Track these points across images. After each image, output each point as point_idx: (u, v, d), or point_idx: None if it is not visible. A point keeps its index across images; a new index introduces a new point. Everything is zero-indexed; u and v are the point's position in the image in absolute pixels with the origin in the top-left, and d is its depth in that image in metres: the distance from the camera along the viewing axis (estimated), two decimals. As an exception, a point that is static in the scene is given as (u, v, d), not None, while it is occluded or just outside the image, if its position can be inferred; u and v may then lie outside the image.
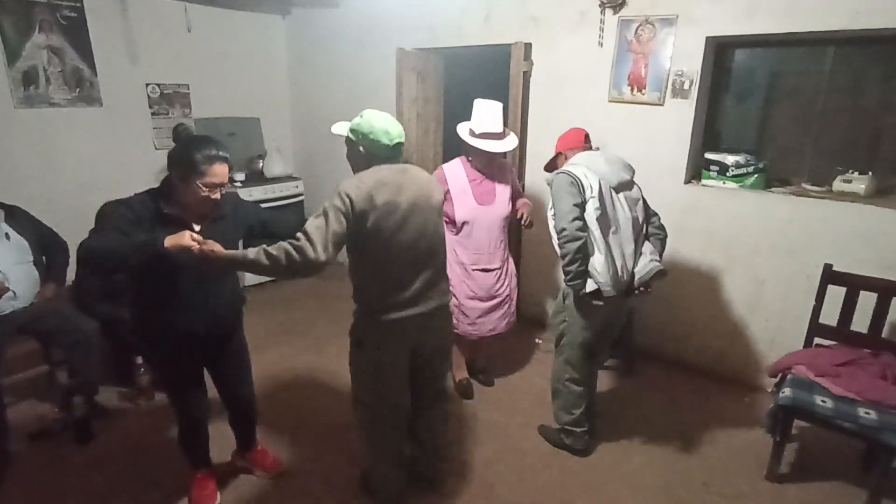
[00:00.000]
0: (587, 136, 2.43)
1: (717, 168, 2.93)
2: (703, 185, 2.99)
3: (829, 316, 2.44)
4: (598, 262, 2.10)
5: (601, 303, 2.13)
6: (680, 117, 2.93)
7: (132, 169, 4.07)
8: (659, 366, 3.21)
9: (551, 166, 2.47)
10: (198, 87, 4.30)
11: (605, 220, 2.13)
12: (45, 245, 2.87)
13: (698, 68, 2.83)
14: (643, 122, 3.04)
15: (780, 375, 2.38)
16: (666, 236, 2.36)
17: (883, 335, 2.36)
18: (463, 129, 2.60)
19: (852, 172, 2.68)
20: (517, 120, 3.42)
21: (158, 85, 4.10)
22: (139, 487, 2.26)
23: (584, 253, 2.10)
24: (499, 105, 2.55)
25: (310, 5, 4.47)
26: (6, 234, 2.66)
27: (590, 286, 2.12)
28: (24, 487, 2.24)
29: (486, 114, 2.53)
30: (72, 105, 3.68)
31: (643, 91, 3.00)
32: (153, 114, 4.11)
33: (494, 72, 4.25)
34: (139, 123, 4.05)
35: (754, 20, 2.63)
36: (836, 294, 2.41)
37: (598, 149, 2.45)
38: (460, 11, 3.61)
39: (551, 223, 2.24)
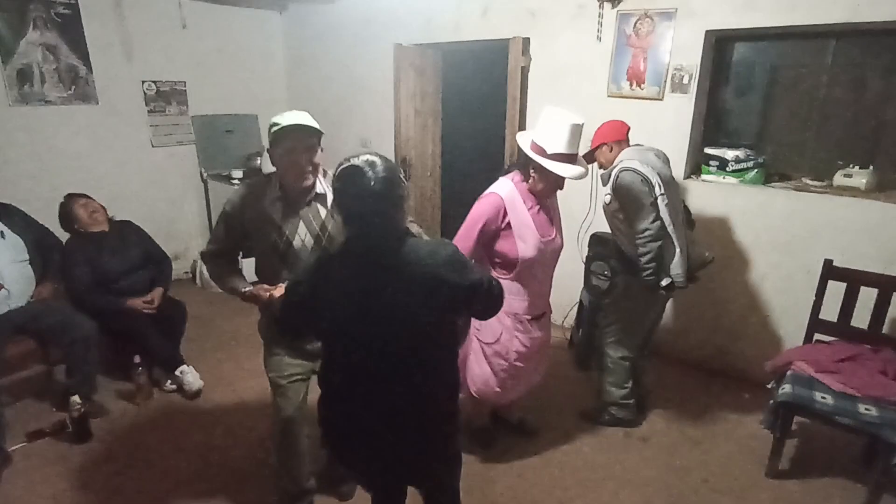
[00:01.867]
0: (629, 130, 2.49)
1: (717, 163, 2.91)
2: (703, 180, 2.97)
3: (830, 312, 2.42)
4: (675, 257, 2.25)
5: (664, 292, 2.32)
6: (679, 112, 2.91)
7: (129, 167, 4.06)
8: (659, 362, 3.20)
9: (591, 157, 2.50)
10: (194, 84, 4.28)
11: (672, 215, 2.24)
12: (41, 244, 2.86)
13: (698, 62, 2.80)
14: (642, 117, 3.01)
15: (780, 371, 2.37)
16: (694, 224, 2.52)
17: (883, 331, 2.35)
18: (526, 142, 2.04)
19: (853, 167, 2.66)
20: (515, 115, 3.40)
21: (154, 82, 4.08)
22: (138, 486, 2.25)
23: (661, 250, 2.23)
24: (580, 120, 1.98)
25: (306, 1, 4.44)
26: (1, 233, 2.65)
27: (665, 280, 2.26)
28: (22, 487, 2.24)
29: (564, 130, 1.95)
30: (67, 103, 3.67)
31: (642, 86, 2.98)
32: (150, 111, 4.10)
33: (492, 67, 4.23)
34: (136, 121, 4.04)
35: (754, 13, 2.60)
36: (836, 289, 2.40)
37: (640, 145, 2.46)
38: (457, 6, 3.58)
39: (610, 218, 2.40)
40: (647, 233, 2.21)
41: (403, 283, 1.27)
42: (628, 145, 2.44)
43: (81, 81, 3.69)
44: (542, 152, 1.97)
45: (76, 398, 2.48)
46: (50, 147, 3.65)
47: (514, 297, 2.07)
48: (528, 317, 2.15)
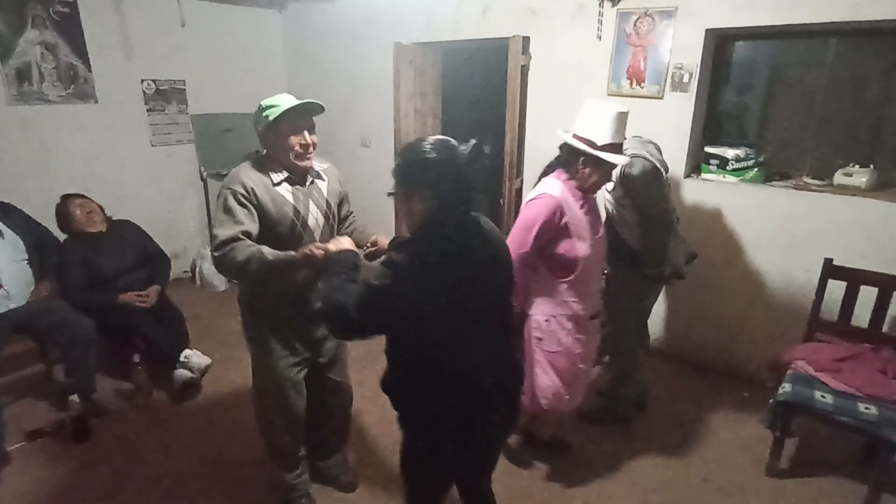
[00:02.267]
0: None
1: (717, 162, 2.91)
2: (703, 179, 2.97)
3: (830, 311, 2.42)
4: (676, 247, 2.29)
5: (666, 283, 2.37)
6: (679, 111, 2.90)
7: (128, 166, 4.05)
8: (658, 360, 3.20)
9: None
10: (194, 82, 4.27)
11: (671, 206, 2.32)
12: (40, 243, 2.86)
13: (698, 61, 2.80)
14: (642, 115, 2.99)
15: (780, 370, 2.37)
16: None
17: (884, 330, 2.35)
18: (569, 138, 1.97)
19: (853, 166, 2.66)
20: (515, 114, 3.40)
21: (154, 81, 4.07)
22: (137, 486, 2.25)
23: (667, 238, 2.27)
24: (625, 108, 1.93)
25: (306, -1, 4.44)
26: (0, 233, 2.64)
27: (668, 269, 2.29)
28: (22, 486, 2.24)
29: (610, 120, 1.88)
30: (66, 102, 3.65)
31: (642, 84, 2.97)
32: (149, 110, 4.08)
33: (492, 65, 4.22)
34: (135, 120, 4.03)
35: (755, 12, 2.60)
36: (836, 288, 2.40)
37: (638, 136, 2.46)
38: (457, 5, 3.57)
39: (615, 207, 2.36)
40: (655, 219, 2.25)
41: (503, 252, 1.39)
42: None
43: (80, 80, 3.68)
44: (592, 145, 1.89)
45: (75, 397, 2.48)
46: (49, 146, 3.64)
47: (574, 299, 1.99)
48: (587, 317, 2.06)
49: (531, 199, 1.97)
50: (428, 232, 1.29)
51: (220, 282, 4.35)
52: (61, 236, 2.98)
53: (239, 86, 4.57)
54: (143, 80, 4.01)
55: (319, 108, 1.72)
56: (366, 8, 4.06)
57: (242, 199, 1.64)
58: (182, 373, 2.77)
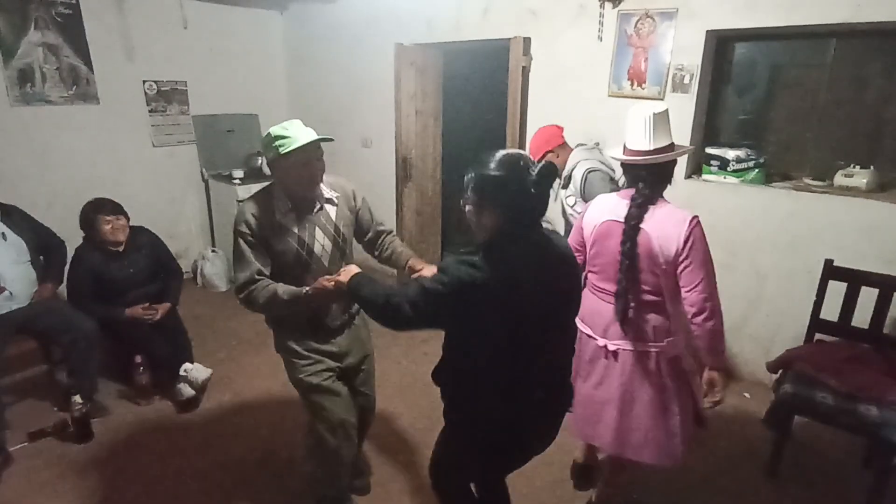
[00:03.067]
0: (563, 131, 2.59)
1: (718, 163, 2.91)
2: (704, 180, 2.97)
3: (831, 311, 2.42)
4: None
5: None
6: (680, 112, 2.90)
7: (130, 167, 4.06)
8: (659, 361, 3.20)
9: None
10: (195, 83, 4.28)
11: None
12: (43, 244, 2.86)
13: (698, 62, 2.80)
14: (643, 116, 3.01)
15: (781, 371, 2.37)
16: None
17: (884, 331, 2.35)
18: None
19: (854, 166, 2.66)
20: (516, 115, 3.40)
21: (156, 82, 4.08)
22: (139, 486, 2.26)
23: None
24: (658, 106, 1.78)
25: (307, 0, 4.44)
26: (2, 234, 2.65)
27: None
28: (24, 487, 2.24)
29: (638, 121, 1.76)
30: (68, 103, 3.67)
31: (643, 85, 2.98)
32: (151, 111, 4.10)
33: (493, 66, 4.23)
34: (137, 121, 4.04)
35: (755, 13, 2.60)
36: (837, 289, 2.40)
37: (583, 144, 2.62)
38: (458, 6, 3.58)
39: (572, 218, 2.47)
40: None
41: (568, 266, 1.41)
42: (568, 147, 2.61)
43: (82, 81, 3.69)
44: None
45: (77, 398, 2.49)
46: (51, 147, 3.65)
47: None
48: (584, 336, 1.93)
49: (696, 223, 1.77)
50: (493, 244, 1.30)
51: (221, 282, 4.36)
52: (64, 237, 2.98)
53: (240, 87, 4.58)
54: (144, 81, 4.02)
55: (330, 140, 1.70)
56: (367, 9, 4.07)
57: (250, 240, 1.69)
58: (183, 389, 2.75)
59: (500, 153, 1.31)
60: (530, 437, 1.49)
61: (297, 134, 1.64)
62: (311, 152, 1.67)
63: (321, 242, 1.78)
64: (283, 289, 1.67)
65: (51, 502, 2.17)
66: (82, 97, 3.72)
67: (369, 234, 1.97)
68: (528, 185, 1.27)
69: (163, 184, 4.27)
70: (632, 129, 1.76)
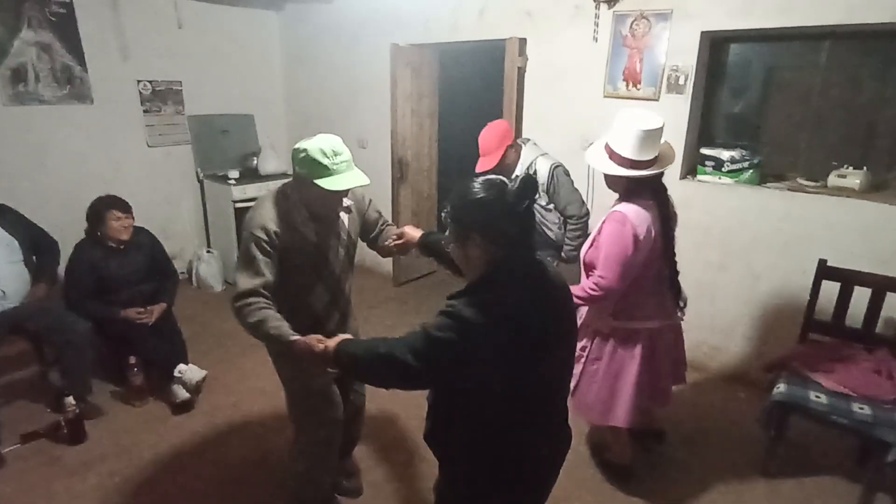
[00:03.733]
0: None
1: (713, 163, 2.92)
2: (699, 181, 2.98)
3: (824, 311, 2.44)
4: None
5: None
6: (675, 112, 2.92)
7: (125, 167, 4.04)
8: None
9: (503, 163, 2.65)
10: (191, 83, 4.27)
11: None
12: (36, 244, 2.85)
13: (693, 63, 2.81)
14: (638, 117, 3.02)
15: (775, 371, 2.38)
16: None
17: (877, 331, 2.36)
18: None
19: (847, 167, 2.67)
20: (512, 116, 3.41)
21: (150, 82, 4.06)
22: (133, 487, 2.25)
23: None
24: (652, 122, 1.86)
25: (303, 0, 4.44)
26: (-4, 234, 2.64)
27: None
28: (16, 489, 2.23)
29: (628, 131, 1.86)
30: (62, 102, 3.65)
31: (638, 86, 2.99)
32: (145, 111, 4.08)
33: (489, 67, 4.24)
34: (131, 121, 4.02)
35: (749, 15, 2.61)
36: (830, 289, 2.41)
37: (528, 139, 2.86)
38: (454, 6, 3.58)
39: (547, 213, 2.73)
40: (587, 216, 2.68)
41: (565, 294, 1.29)
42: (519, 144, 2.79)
43: (76, 81, 3.67)
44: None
45: (70, 399, 2.47)
46: (45, 147, 3.63)
47: None
48: None
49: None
50: (491, 280, 1.18)
51: (216, 282, 4.35)
52: (57, 237, 2.97)
53: (236, 87, 4.57)
54: (139, 81, 4.00)
55: (366, 185, 1.64)
56: (363, 9, 4.07)
57: (265, 246, 1.60)
58: (178, 391, 2.74)
59: (474, 180, 1.21)
60: (537, 492, 1.35)
61: (340, 169, 1.55)
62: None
63: (335, 250, 1.76)
64: (274, 323, 1.54)
65: (43, 504, 2.16)
66: (76, 97, 3.70)
67: (374, 233, 1.93)
68: (511, 202, 1.15)
69: (158, 184, 4.25)
70: (636, 141, 1.84)
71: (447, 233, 1.26)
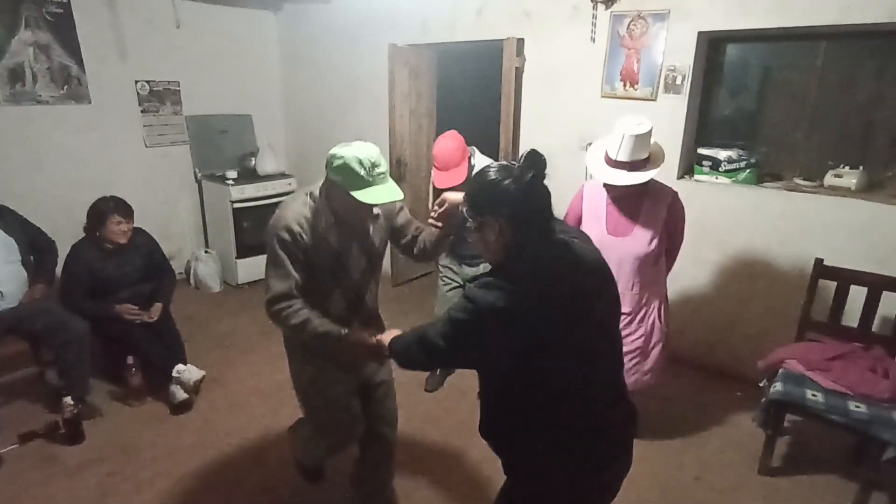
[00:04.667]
0: None
1: (710, 163, 2.93)
2: (696, 180, 2.99)
3: (821, 310, 2.45)
4: None
5: None
6: (672, 112, 2.93)
7: (122, 167, 4.04)
8: (652, 361, 3.22)
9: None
10: (188, 83, 4.26)
11: None
12: (34, 245, 2.84)
13: (690, 63, 2.82)
14: (636, 117, 3.03)
15: (771, 370, 2.39)
16: None
17: (873, 329, 2.38)
18: (595, 149, 2.23)
19: (844, 167, 2.69)
20: (510, 116, 3.41)
21: (148, 82, 4.06)
22: (131, 487, 2.25)
23: None
24: (637, 130, 2.06)
25: (301, 0, 4.44)
26: (-7, 234, 2.63)
27: None
28: (14, 489, 2.22)
29: (617, 136, 2.08)
30: (60, 102, 3.64)
31: (635, 86, 3.00)
32: (143, 111, 4.07)
33: (487, 67, 4.24)
34: (129, 121, 4.02)
35: (746, 15, 2.62)
36: (827, 288, 2.42)
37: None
38: (452, 6, 3.58)
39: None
40: None
41: (601, 270, 1.28)
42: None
43: (74, 81, 3.67)
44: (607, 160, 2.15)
45: (69, 399, 2.47)
46: (42, 147, 3.63)
47: None
48: None
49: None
50: (510, 264, 1.18)
51: (214, 283, 4.34)
52: (55, 237, 2.96)
53: (234, 87, 4.57)
54: (137, 81, 4.00)
55: (400, 200, 1.62)
56: (361, 9, 4.07)
57: (290, 248, 1.57)
58: (177, 392, 2.73)
59: (489, 167, 1.23)
60: (610, 469, 1.31)
61: (376, 181, 1.51)
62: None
63: (356, 258, 1.71)
64: (319, 321, 1.57)
65: (42, 504, 2.16)
66: (73, 97, 3.69)
67: (406, 238, 1.86)
68: (522, 180, 1.16)
69: (155, 184, 4.25)
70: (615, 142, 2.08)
71: (467, 223, 1.26)
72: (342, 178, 1.51)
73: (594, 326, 1.23)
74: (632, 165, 2.07)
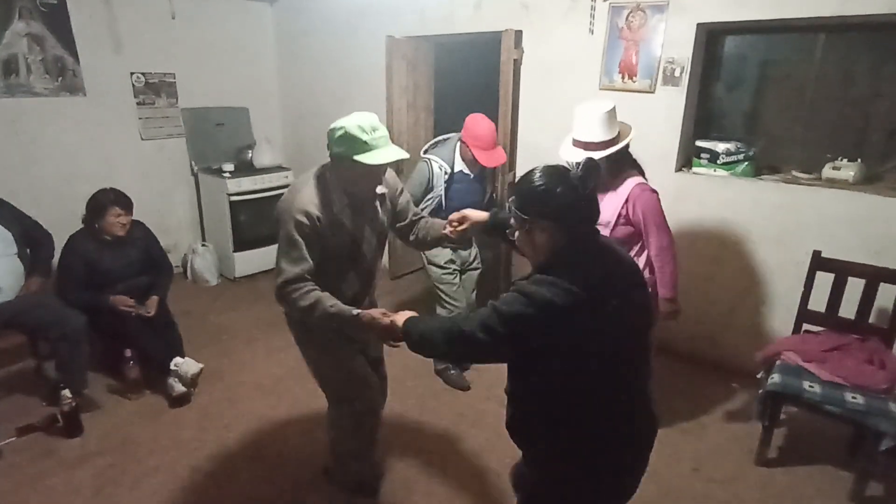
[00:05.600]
0: None
1: (708, 156, 2.93)
2: (694, 173, 2.99)
3: (818, 302, 2.46)
4: None
5: None
6: (671, 105, 2.92)
7: (118, 160, 4.02)
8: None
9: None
10: (184, 76, 4.23)
11: None
12: (30, 237, 2.83)
13: (689, 55, 2.81)
14: (634, 109, 3.01)
15: (769, 361, 2.40)
16: None
17: (870, 321, 2.38)
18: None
19: (841, 159, 2.69)
20: (508, 108, 3.40)
21: (143, 74, 4.03)
22: (130, 479, 2.25)
23: None
24: (597, 107, 2.14)
25: (297, -8, 4.41)
26: (-11, 227, 2.62)
27: None
28: (13, 482, 2.22)
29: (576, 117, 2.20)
30: (54, 94, 3.61)
31: (634, 78, 2.99)
32: (139, 103, 4.04)
33: (485, 60, 4.22)
34: (124, 113, 3.99)
35: (745, 6, 2.61)
36: (824, 280, 2.43)
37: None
38: (450, -2, 3.56)
39: None
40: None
41: (636, 275, 1.31)
42: None
43: (68, 73, 3.64)
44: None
45: (66, 392, 2.46)
46: (37, 139, 3.60)
47: None
48: None
49: (647, 189, 2.20)
50: (562, 261, 1.20)
51: (211, 276, 4.33)
52: (51, 230, 2.94)
53: (230, 79, 4.54)
54: (132, 73, 3.97)
55: (406, 158, 1.63)
56: (358, 1, 4.04)
57: (307, 231, 1.57)
58: (174, 385, 2.72)
59: (537, 169, 1.25)
60: (634, 479, 1.35)
61: (379, 144, 1.53)
62: (384, 167, 1.59)
63: (369, 238, 1.74)
64: (330, 302, 1.57)
65: (40, 497, 2.15)
66: (68, 89, 3.66)
67: (405, 222, 1.90)
68: (576, 188, 1.19)
69: (152, 177, 4.22)
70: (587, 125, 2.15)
71: (511, 222, 1.29)
72: (346, 148, 1.53)
73: (631, 332, 1.25)
74: (587, 146, 2.11)
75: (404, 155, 1.59)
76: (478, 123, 2.70)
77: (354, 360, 1.87)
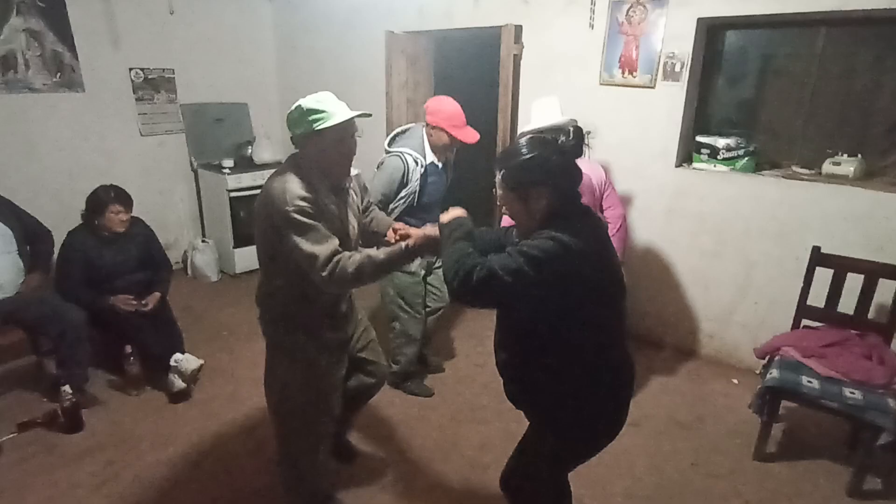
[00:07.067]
0: None
1: (708, 151, 2.93)
2: (694, 168, 2.99)
3: (818, 298, 2.46)
4: None
5: None
6: (671, 100, 2.91)
7: (117, 156, 4.01)
8: (650, 348, 3.24)
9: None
10: (183, 71, 4.22)
11: None
12: (29, 234, 2.83)
13: (689, 50, 2.80)
14: (634, 105, 3.02)
15: (768, 357, 2.40)
16: None
17: (869, 316, 2.39)
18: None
19: (841, 155, 2.68)
20: (508, 104, 3.39)
21: (142, 69, 4.01)
22: (131, 474, 2.25)
23: None
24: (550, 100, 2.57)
25: (296, -13, 4.39)
26: (-12, 223, 2.62)
27: None
28: (14, 478, 2.23)
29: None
30: (52, 90, 3.60)
31: (634, 74, 2.98)
32: (137, 99, 4.03)
33: (485, 55, 4.20)
34: (123, 109, 3.98)
35: (746, 1, 2.60)
36: (824, 276, 2.43)
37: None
38: (450, -7, 3.55)
39: None
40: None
41: (609, 237, 1.46)
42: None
43: (67, 68, 3.62)
44: None
45: (67, 388, 2.47)
46: (35, 135, 3.59)
47: None
48: None
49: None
50: (558, 221, 1.29)
51: (211, 272, 4.33)
52: (51, 226, 2.94)
53: (229, 75, 4.52)
54: (131, 69, 3.95)
55: (368, 116, 1.60)
56: (357, -4, 4.03)
57: (313, 213, 1.52)
58: (175, 380, 2.72)
59: (523, 139, 1.37)
60: (625, 414, 1.48)
61: (332, 108, 1.51)
62: (347, 129, 1.57)
63: (352, 224, 1.72)
64: (374, 253, 1.55)
65: (41, 493, 2.16)
66: (67, 85, 3.65)
67: (367, 216, 1.92)
68: (568, 153, 1.34)
69: (151, 173, 4.22)
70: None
71: (499, 194, 1.38)
72: (307, 124, 1.52)
73: (619, 284, 1.40)
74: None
75: (367, 112, 1.59)
76: (445, 103, 2.54)
77: (337, 371, 1.80)
